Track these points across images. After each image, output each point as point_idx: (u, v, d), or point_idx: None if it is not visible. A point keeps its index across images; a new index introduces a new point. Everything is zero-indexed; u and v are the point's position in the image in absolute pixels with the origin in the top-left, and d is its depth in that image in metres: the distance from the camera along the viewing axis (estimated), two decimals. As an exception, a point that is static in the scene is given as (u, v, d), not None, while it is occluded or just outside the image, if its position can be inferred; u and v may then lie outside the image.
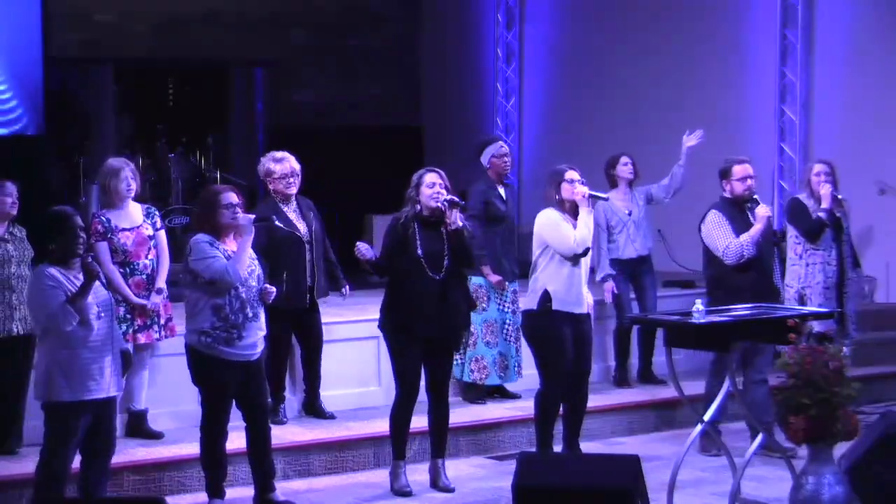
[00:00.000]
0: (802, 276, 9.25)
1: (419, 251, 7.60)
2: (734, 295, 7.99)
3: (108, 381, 6.59)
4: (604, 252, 9.91)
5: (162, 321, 8.27)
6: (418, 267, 7.60)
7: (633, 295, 10.09)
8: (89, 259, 6.54)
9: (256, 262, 7.35)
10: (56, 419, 6.56)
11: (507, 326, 9.36)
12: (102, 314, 6.58)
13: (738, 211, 8.44)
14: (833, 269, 9.26)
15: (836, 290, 9.25)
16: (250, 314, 7.18)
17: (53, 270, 6.52)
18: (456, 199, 7.66)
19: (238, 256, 7.14)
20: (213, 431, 7.26)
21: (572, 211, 7.89)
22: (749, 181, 8.48)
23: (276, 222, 8.54)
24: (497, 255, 9.26)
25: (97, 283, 6.59)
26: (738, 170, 8.52)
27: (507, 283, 9.33)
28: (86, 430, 6.61)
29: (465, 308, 7.86)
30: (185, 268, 7.23)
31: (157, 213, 8.50)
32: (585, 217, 7.82)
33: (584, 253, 7.86)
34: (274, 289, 7.36)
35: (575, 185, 7.87)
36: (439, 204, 7.61)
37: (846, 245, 9.37)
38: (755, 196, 8.47)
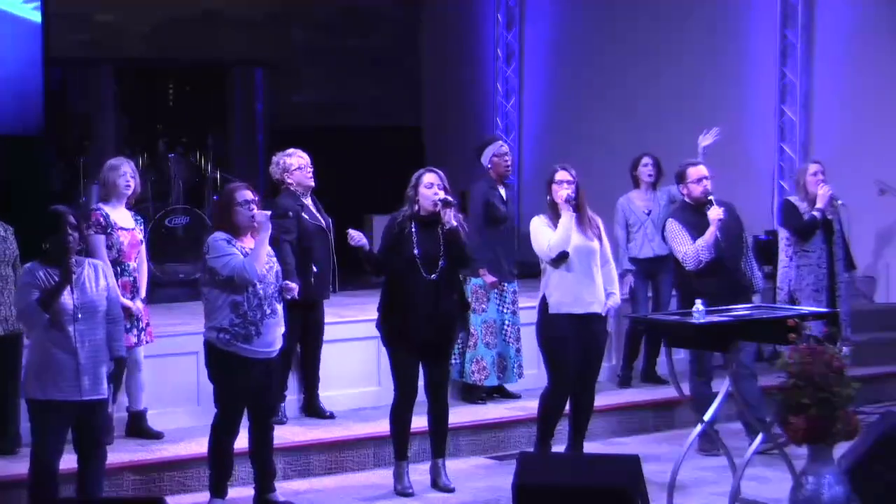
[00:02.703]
0: (793, 278, 9.26)
1: (416, 251, 7.60)
2: (699, 297, 7.90)
3: (88, 383, 6.52)
4: (622, 249, 9.96)
5: (142, 325, 8.27)
6: (413, 267, 7.59)
7: (650, 294, 10.10)
8: (71, 262, 6.50)
9: (275, 258, 7.36)
10: (33, 417, 6.59)
11: (506, 327, 9.36)
12: (80, 315, 6.52)
13: (698, 215, 8.40)
14: (823, 272, 9.26)
15: (826, 292, 9.25)
16: (268, 311, 7.17)
17: (37, 268, 6.50)
18: (449, 198, 7.64)
19: (255, 253, 7.13)
20: (224, 430, 7.26)
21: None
22: (704, 182, 8.44)
23: (304, 214, 8.66)
24: (496, 257, 9.27)
25: (93, 285, 6.58)
26: (692, 172, 8.50)
27: (505, 284, 9.33)
28: (73, 430, 6.60)
29: (459, 309, 7.85)
30: (203, 266, 7.26)
31: (142, 220, 8.52)
32: (565, 221, 7.80)
33: (561, 257, 7.84)
34: (295, 285, 7.35)
35: (562, 186, 7.87)
36: (435, 205, 7.61)
37: (837, 247, 9.37)
38: (710, 197, 8.42)
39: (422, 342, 7.66)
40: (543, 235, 7.87)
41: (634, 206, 10.04)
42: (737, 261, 8.50)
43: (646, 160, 10.09)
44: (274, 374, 7.38)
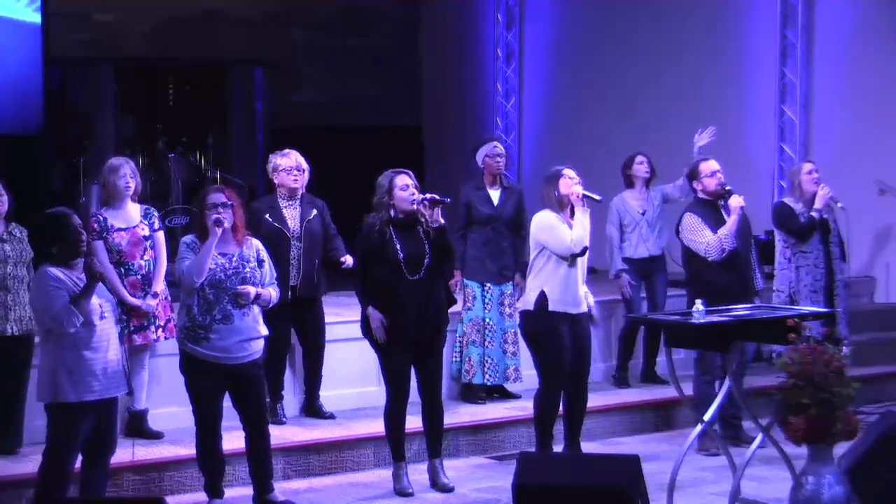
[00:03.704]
0: (794, 279, 9.26)
1: (400, 255, 7.56)
2: (711, 292, 7.92)
3: (111, 380, 6.56)
4: (616, 250, 9.94)
5: (161, 322, 8.25)
6: (398, 270, 7.56)
7: (644, 294, 10.09)
8: (93, 260, 6.54)
9: (252, 265, 7.26)
10: (60, 420, 6.53)
11: (488, 327, 9.33)
12: (106, 314, 6.57)
13: (712, 209, 8.44)
14: (821, 272, 9.26)
15: (823, 293, 9.24)
16: (219, 316, 7.10)
17: (56, 271, 6.48)
18: (437, 196, 7.60)
19: (197, 258, 7.09)
20: (203, 431, 7.26)
21: (571, 209, 7.88)
22: (719, 175, 8.47)
23: (267, 217, 8.60)
24: (479, 257, 9.25)
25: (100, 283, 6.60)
26: (704, 167, 8.53)
27: (489, 284, 9.29)
28: (89, 430, 6.60)
29: (445, 305, 7.82)
30: None
31: (156, 213, 8.46)
32: (581, 216, 7.81)
33: (582, 252, 7.84)
34: (250, 290, 7.15)
35: (573, 183, 7.87)
36: (418, 204, 7.57)
37: (834, 245, 9.37)
38: (728, 188, 8.45)
39: (412, 342, 7.65)
40: (563, 231, 7.84)
41: (629, 206, 10.01)
42: (748, 258, 8.55)
43: (640, 158, 10.07)
44: (241, 379, 7.21)
